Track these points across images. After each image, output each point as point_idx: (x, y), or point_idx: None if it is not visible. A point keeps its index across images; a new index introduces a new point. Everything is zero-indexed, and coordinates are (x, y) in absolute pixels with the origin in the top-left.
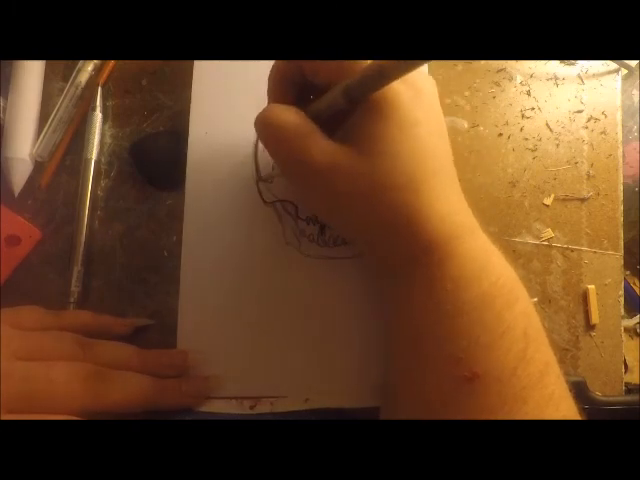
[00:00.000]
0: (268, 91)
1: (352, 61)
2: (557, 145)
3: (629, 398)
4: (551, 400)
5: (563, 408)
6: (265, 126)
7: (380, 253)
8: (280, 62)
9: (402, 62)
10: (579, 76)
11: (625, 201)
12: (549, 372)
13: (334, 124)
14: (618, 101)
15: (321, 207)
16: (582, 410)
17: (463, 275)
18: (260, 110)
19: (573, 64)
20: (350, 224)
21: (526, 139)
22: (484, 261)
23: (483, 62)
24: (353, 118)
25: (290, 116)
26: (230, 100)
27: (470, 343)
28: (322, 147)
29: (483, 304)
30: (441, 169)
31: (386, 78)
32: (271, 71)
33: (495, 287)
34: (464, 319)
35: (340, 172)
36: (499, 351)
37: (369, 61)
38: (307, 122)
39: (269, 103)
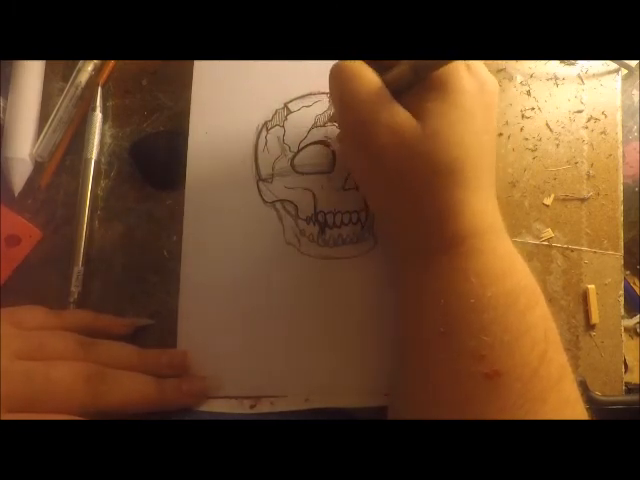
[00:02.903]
0: None
1: None
2: (557, 145)
3: (629, 398)
4: (568, 402)
5: (578, 411)
6: (346, 78)
7: (409, 236)
8: None
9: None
10: (579, 76)
11: (625, 201)
12: (566, 375)
13: (397, 94)
14: (618, 101)
15: (367, 168)
16: None
17: (488, 271)
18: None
19: (573, 64)
20: (388, 194)
21: (526, 139)
22: (509, 262)
23: (483, 62)
24: (418, 88)
25: (372, 76)
26: (230, 100)
27: (495, 341)
28: (389, 109)
29: (507, 302)
30: (484, 167)
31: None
32: None
33: (518, 287)
34: (488, 315)
35: (397, 136)
36: (522, 350)
37: None
38: (382, 86)
39: None
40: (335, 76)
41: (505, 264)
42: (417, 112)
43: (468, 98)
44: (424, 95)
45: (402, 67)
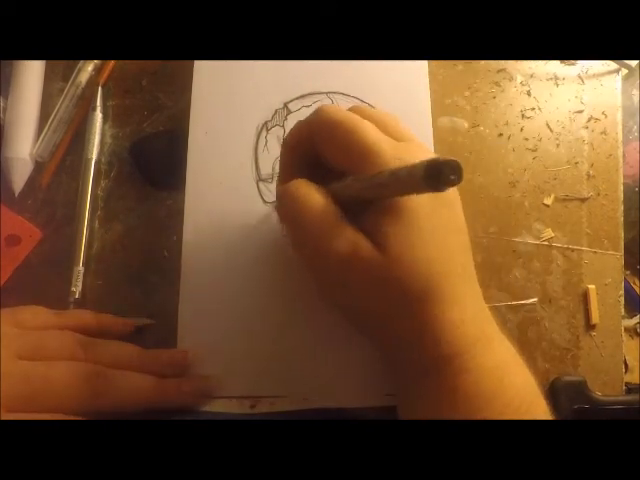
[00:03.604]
0: (280, 165)
1: (367, 153)
2: (557, 145)
3: (629, 398)
4: None
5: None
6: (289, 202)
7: (392, 358)
8: (294, 134)
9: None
10: (579, 76)
11: (625, 201)
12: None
13: (352, 206)
14: (618, 101)
15: (333, 297)
16: (582, 410)
17: (476, 393)
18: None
19: (573, 64)
20: (358, 320)
21: (526, 139)
22: (498, 378)
23: (483, 62)
24: (372, 211)
25: (317, 195)
26: (230, 100)
27: None
28: (347, 235)
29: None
30: (457, 274)
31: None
32: (285, 140)
33: (509, 408)
34: None
35: (359, 267)
36: None
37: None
38: (333, 205)
39: (280, 178)
40: (282, 203)
41: (494, 382)
42: (376, 237)
43: (423, 213)
44: (380, 219)
45: (347, 186)
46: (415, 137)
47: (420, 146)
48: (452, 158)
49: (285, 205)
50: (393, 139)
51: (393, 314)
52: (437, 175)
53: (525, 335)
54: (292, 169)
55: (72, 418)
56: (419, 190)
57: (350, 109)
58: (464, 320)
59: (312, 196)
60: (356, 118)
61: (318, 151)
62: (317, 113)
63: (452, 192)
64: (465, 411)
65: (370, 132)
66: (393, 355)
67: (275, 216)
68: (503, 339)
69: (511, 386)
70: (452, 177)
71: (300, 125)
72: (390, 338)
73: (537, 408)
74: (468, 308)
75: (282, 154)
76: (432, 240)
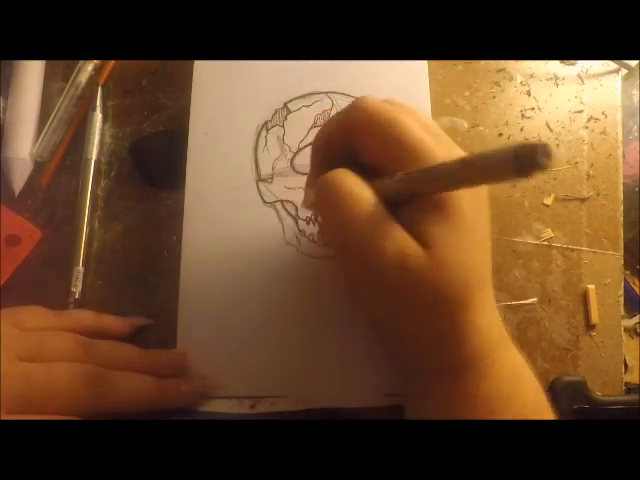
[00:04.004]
0: (311, 162)
1: (413, 148)
2: (557, 145)
3: (629, 398)
4: None
5: None
6: (336, 196)
7: (405, 360)
8: (326, 131)
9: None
10: (579, 76)
11: (625, 201)
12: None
13: (392, 204)
14: (618, 101)
15: (365, 291)
16: (582, 410)
17: (495, 396)
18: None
19: (573, 64)
20: (387, 318)
21: (526, 139)
22: (515, 381)
23: (483, 62)
24: (416, 209)
25: (365, 191)
26: (230, 100)
27: None
28: (397, 236)
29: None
30: (486, 280)
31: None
32: (315, 139)
33: (523, 414)
34: None
35: (405, 268)
36: None
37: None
38: (382, 206)
39: (310, 179)
40: (324, 195)
41: (511, 385)
42: (420, 236)
43: (469, 218)
44: (425, 217)
45: (398, 181)
46: (443, 134)
47: (455, 146)
48: (544, 141)
49: (328, 199)
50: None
51: (421, 316)
52: (530, 159)
53: (525, 335)
54: (324, 168)
55: (72, 419)
56: (499, 178)
57: (386, 100)
58: (488, 327)
59: (361, 190)
60: (397, 110)
61: (356, 147)
62: (354, 104)
63: (486, 191)
64: (484, 415)
65: (415, 127)
66: (407, 357)
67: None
68: (513, 346)
69: (524, 390)
70: (545, 160)
71: (334, 119)
72: (415, 343)
73: (547, 411)
74: (491, 315)
75: (313, 151)
76: (475, 243)
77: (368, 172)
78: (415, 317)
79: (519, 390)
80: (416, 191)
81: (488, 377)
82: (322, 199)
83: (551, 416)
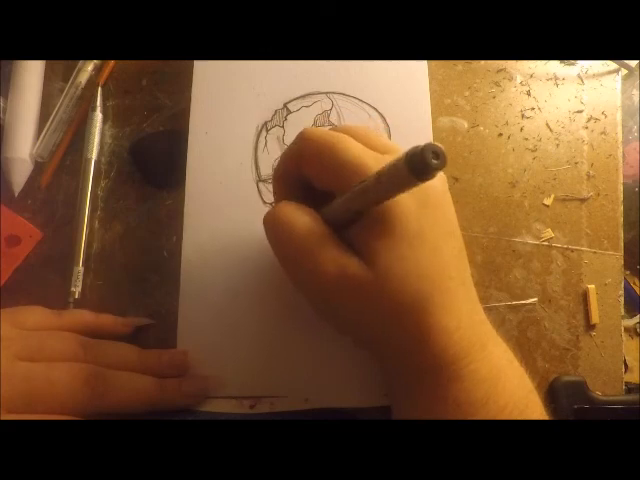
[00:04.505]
0: (274, 191)
1: (351, 168)
2: (557, 145)
3: (629, 398)
4: None
5: None
6: (274, 225)
7: (386, 367)
8: (281, 163)
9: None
10: (579, 76)
11: (625, 201)
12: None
13: (347, 224)
14: (618, 101)
15: (325, 313)
16: (582, 410)
17: (468, 400)
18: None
19: (573, 64)
20: (348, 332)
21: (526, 139)
22: (492, 383)
23: (483, 62)
24: (360, 226)
25: (302, 216)
26: (230, 100)
27: None
28: (333, 256)
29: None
30: (451, 279)
31: (383, 197)
32: (274, 171)
33: (503, 414)
34: None
35: (348, 286)
36: None
37: (371, 170)
38: (320, 224)
39: (275, 203)
40: (265, 226)
41: (488, 387)
42: (365, 252)
43: (411, 220)
44: (368, 233)
45: (339, 202)
46: (400, 149)
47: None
48: (432, 142)
49: (270, 228)
50: (377, 152)
51: (386, 327)
52: (420, 162)
53: (525, 335)
54: (285, 198)
55: (72, 418)
56: (405, 186)
57: (331, 129)
58: (459, 326)
59: (297, 217)
60: (337, 135)
61: (306, 176)
62: (299, 136)
63: (441, 194)
64: (457, 416)
65: (352, 147)
66: (388, 364)
67: None
68: (498, 342)
69: (504, 392)
70: (435, 161)
71: (286, 152)
72: (385, 349)
73: (532, 411)
74: (463, 313)
75: (273, 184)
76: (422, 248)
77: (325, 200)
78: (373, 326)
79: (497, 392)
80: (354, 210)
81: (458, 380)
82: (267, 231)
83: (540, 411)
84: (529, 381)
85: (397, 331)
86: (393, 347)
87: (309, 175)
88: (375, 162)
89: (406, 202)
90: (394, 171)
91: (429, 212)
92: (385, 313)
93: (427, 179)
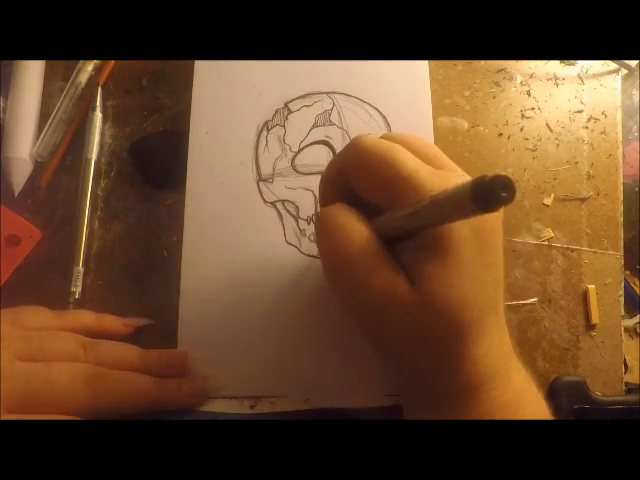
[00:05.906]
0: (319, 201)
1: (406, 185)
2: (557, 145)
3: (629, 398)
4: None
5: None
6: (331, 230)
7: (407, 384)
8: (327, 174)
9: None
10: (579, 76)
11: (625, 201)
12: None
13: (394, 240)
14: (618, 101)
15: (365, 326)
16: (582, 410)
17: None
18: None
19: (573, 64)
20: (382, 348)
21: (526, 139)
22: (513, 411)
23: (483, 62)
24: (411, 245)
25: (360, 228)
26: (230, 100)
27: None
28: (387, 275)
29: None
30: (489, 309)
31: (442, 221)
32: (320, 182)
33: None
34: None
35: (395, 305)
36: None
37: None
38: (375, 237)
39: (321, 206)
40: (319, 226)
41: (508, 414)
42: (412, 273)
43: (465, 253)
44: (419, 254)
45: (390, 218)
46: (456, 166)
47: (463, 176)
48: (501, 173)
49: (324, 232)
50: (432, 166)
51: (420, 347)
52: (487, 194)
53: (525, 335)
54: (330, 203)
55: (72, 418)
56: (465, 216)
57: (383, 136)
58: (487, 354)
59: (355, 226)
60: (390, 146)
61: (353, 186)
62: (349, 145)
63: (496, 223)
64: None
65: (407, 160)
66: (408, 381)
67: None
68: (520, 368)
69: (523, 417)
70: (503, 194)
71: (333, 160)
72: (410, 365)
73: None
74: (493, 341)
75: (320, 192)
76: (467, 277)
77: (371, 211)
78: (405, 344)
79: (518, 416)
80: (404, 229)
81: (479, 405)
82: (319, 233)
83: None
84: (545, 405)
85: (428, 354)
86: (417, 366)
87: (357, 187)
88: (431, 179)
89: (461, 229)
90: (455, 199)
91: (480, 241)
92: (421, 335)
93: (491, 212)
